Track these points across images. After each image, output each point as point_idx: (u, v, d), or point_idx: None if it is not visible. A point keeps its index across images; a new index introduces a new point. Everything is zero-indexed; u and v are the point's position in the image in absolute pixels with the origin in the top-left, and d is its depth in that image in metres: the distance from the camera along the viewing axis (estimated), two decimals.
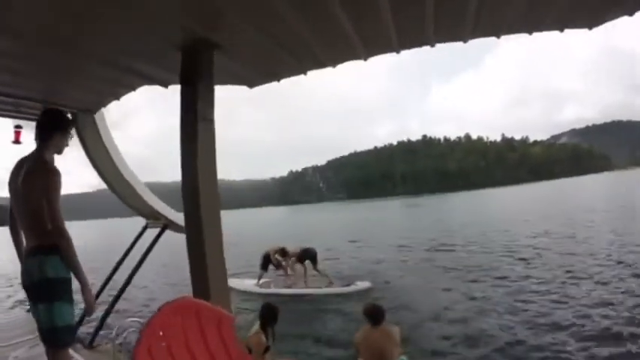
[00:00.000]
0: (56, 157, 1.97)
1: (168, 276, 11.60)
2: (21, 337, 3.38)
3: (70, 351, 2.56)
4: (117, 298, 3.38)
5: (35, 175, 1.76)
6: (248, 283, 9.14)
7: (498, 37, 2.27)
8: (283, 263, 9.25)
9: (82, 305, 1.83)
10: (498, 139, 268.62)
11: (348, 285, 8.43)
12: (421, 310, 6.72)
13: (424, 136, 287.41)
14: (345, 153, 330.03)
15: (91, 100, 3.16)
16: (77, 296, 1.87)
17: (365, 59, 2.50)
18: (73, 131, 2.20)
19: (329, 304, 7.49)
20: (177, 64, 2.24)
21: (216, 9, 1.82)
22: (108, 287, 3.61)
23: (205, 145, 2.14)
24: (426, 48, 2.38)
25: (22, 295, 8.31)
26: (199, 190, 2.07)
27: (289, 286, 8.74)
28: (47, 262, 1.72)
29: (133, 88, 2.87)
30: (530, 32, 2.22)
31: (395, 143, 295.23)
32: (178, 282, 10.03)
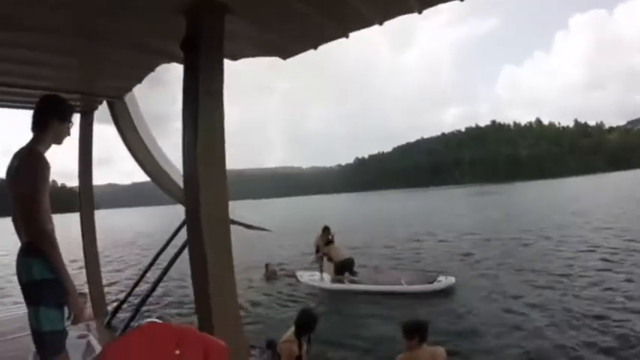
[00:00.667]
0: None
1: None
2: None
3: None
4: (152, 290, 3.30)
5: (22, 169, 1.61)
6: (316, 277, 8.68)
7: None
8: (320, 252, 8.62)
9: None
10: (571, 124, 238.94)
11: (430, 283, 7.56)
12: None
13: (493, 122, 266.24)
14: (412, 139, 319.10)
15: (118, 86, 3.13)
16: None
17: (419, 12, 2.00)
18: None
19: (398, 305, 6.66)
20: None
21: None
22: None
23: (210, 124, 1.81)
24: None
25: None
26: (199, 180, 1.72)
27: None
28: (34, 264, 1.59)
29: (152, 69, 2.72)
30: None
31: (463, 130, 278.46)
32: None
